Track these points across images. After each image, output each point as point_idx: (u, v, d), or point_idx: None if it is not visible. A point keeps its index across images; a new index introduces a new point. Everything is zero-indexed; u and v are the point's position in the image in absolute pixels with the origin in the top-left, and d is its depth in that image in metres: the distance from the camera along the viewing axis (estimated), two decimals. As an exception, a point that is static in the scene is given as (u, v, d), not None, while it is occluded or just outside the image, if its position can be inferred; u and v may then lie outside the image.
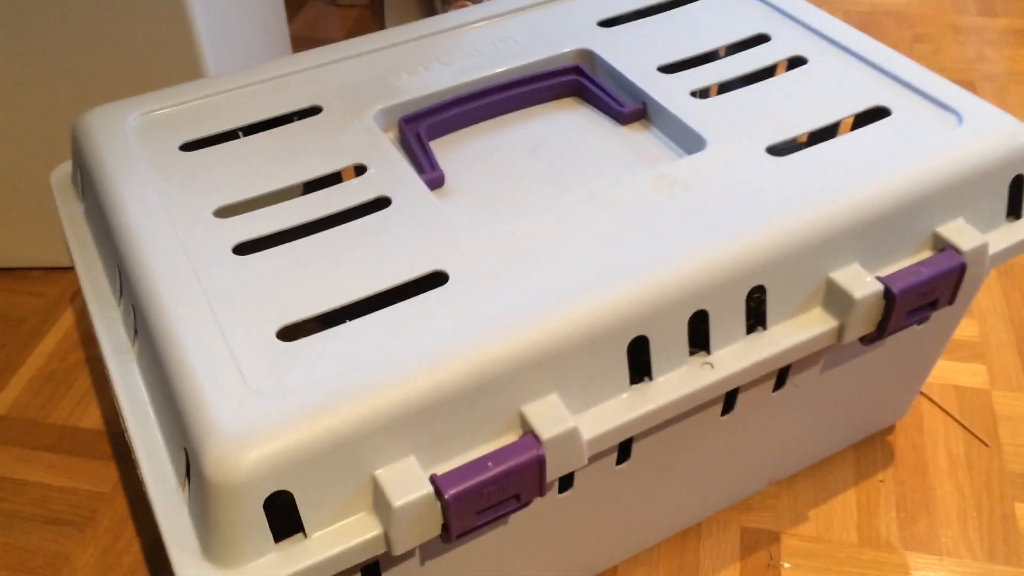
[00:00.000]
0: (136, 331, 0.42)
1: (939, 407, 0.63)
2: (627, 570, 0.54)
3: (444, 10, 0.97)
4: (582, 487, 0.45)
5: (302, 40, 1.07)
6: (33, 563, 0.55)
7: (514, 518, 0.43)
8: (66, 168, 0.53)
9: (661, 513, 0.53)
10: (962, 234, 0.45)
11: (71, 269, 0.76)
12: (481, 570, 0.45)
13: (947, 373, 0.65)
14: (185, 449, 0.35)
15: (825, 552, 0.55)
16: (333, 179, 0.47)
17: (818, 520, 0.56)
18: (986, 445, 0.60)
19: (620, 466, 0.46)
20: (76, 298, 0.73)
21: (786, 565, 0.54)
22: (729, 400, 0.47)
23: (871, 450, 0.60)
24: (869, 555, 0.54)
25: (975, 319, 0.69)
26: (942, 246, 0.45)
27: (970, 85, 0.95)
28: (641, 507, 0.51)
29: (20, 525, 0.57)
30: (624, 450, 0.45)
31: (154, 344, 0.38)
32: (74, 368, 0.68)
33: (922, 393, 0.64)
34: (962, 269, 0.44)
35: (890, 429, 0.61)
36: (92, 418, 0.64)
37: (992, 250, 0.46)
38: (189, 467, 0.35)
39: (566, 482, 0.44)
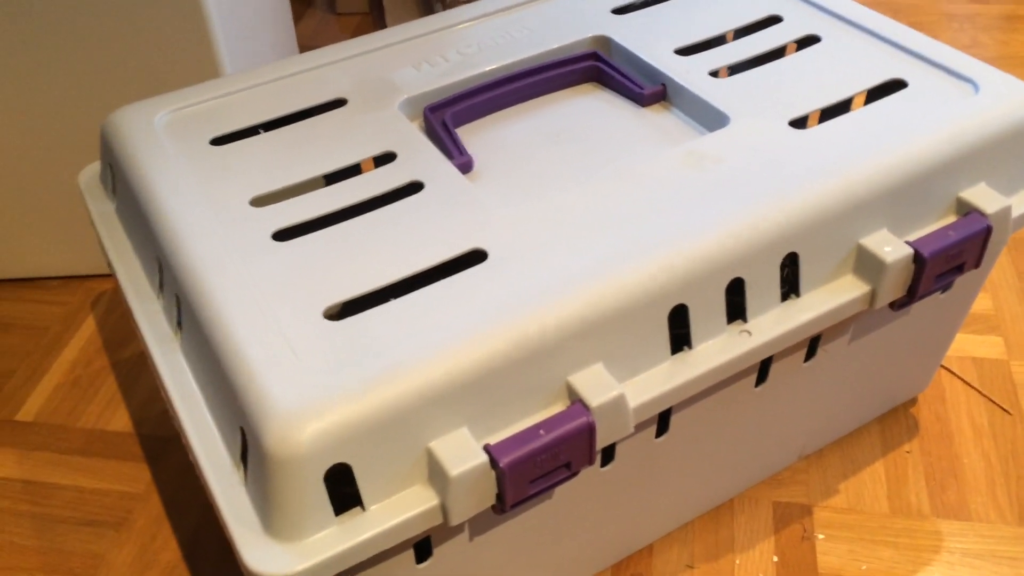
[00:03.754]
0: (179, 321, 0.42)
1: (960, 378, 0.64)
2: (662, 547, 0.54)
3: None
4: (623, 461, 0.45)
5: (303, 50, 1.07)
6: (71, 564, 0.56)
7: (557, 493, 0.44)
8: (92, 169, 0.54)
9: (696, 489, 0.53)
10: (986, 197, 0.46)
11: (89, 277, 0.76)
12: (523, 548, 0.46)
13: (965, 346, 0.66)
14: (242, 428, 0.36)
15: (858, 523, 0.55)
16: (363, 168, 0.48)
17: (848, 492, 0.57)
18: (1008, 413, 0.61)
19: (659, 439, 0.46)
20: (97, 305, 0.74)
21: (820, 536, 0.54)
22: (763, 371, 0.48)
23: (896, 422, 0.61)
24: (901, 523, 0.55)
25: (988, 293, 0.70)
26: (966, 210, 0.46)
27: (967, 68, 0.96)
28: (677, 483, 0.51)
29: (55, 528, 0.58)
30: (663, 422, 0.46)
31: (203, 330, 0.39)
32: (99, 373, 0.68)
33: (942, 366, 0.64)
34: (988, 231, 0.45)
35: (913, 402, 0.62)
36: (120, 421, 0.64)
37: (1014, 213, 0.47)
38: (245, 447, 0.36)
39: (608, 456, 0.45)
